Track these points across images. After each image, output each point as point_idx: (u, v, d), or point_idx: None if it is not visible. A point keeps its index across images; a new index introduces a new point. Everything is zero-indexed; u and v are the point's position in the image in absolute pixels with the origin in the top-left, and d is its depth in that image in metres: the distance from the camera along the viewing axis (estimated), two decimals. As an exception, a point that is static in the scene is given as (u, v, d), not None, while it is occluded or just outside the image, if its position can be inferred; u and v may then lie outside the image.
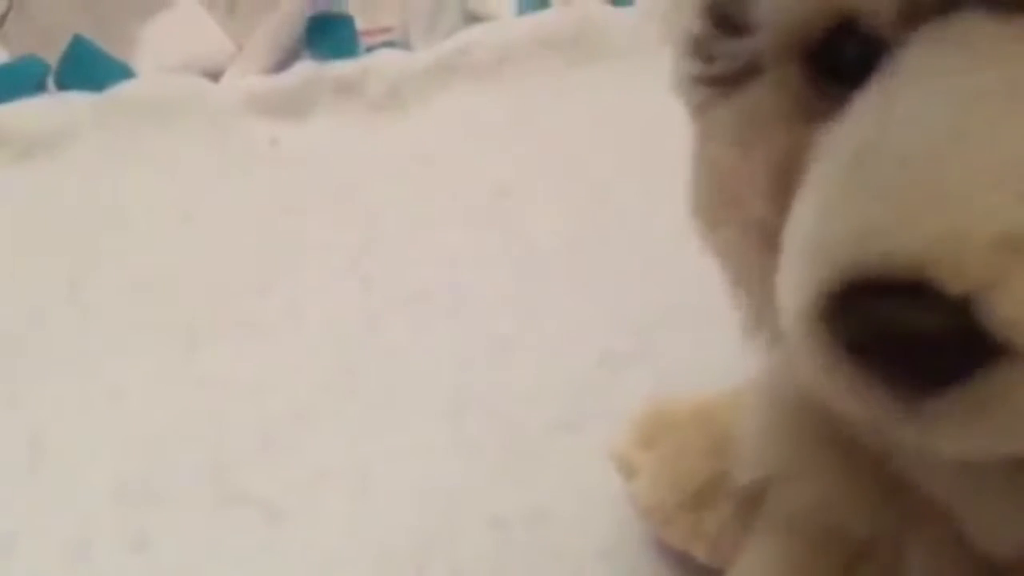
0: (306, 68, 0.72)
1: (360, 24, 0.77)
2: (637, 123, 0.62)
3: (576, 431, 0.51)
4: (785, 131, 0.28)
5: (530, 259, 0.59)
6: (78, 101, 0.70)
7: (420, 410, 0.52)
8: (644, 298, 0.55)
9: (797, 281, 0.25)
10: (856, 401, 0.25)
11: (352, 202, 0.64)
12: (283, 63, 0.75)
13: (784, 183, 0.28)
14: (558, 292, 0.57)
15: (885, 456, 0.32)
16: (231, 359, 0.55)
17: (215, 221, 0.63)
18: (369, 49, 0.75)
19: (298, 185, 0.66)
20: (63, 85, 0.72)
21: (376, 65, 0.71)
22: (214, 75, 0.74)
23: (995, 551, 0.31)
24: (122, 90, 0.70)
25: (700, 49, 0.30)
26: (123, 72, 0.73)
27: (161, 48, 0.76)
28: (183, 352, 0.56)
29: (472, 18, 0.76)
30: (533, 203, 0.62)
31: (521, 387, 0.53)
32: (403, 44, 0.77)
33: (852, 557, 0.36)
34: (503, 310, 0.57)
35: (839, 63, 0.27)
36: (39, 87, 0.72)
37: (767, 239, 0.28)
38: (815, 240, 0.24)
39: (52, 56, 0.73)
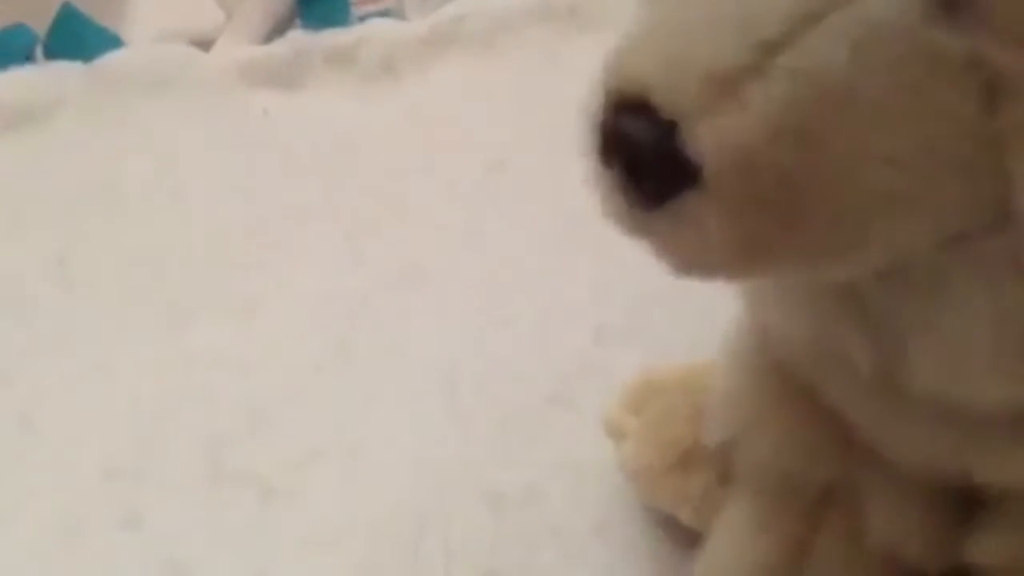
0: (298, 38, 0.71)
1: (353, -8, 0.76)
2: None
3: (570, 407, 0.50)
4: None
5: (525, 233, 0.59)
6: (67, 71, 0.69)
7: (414, 387, 0.52)
8: (639, 274, 0.55)
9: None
10: (608, 207, 0.28)
11: (345, 174, 0.63)
12: (275, 32, 0.74)
13: None
14: (552, 267, 0.57)
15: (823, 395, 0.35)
16: (222, 336, 0.55)
17: (205, 194, 0.62)
18: (362, 18, 0.74)
19: (290, 156, 0.65)
20: (52, 55, 0.71)
21: (369, 35, 0.70)
22: (204, 45, 0.73)
23: (912, 473, 0.34)
24: (112, 60, 0.69)
25: None
26: (113, 42, 0.71)
27: (151, 17, 0.74)
28: (174, 328, 0.55)
29: (467, -14, 0.75)
30: (529, 176, 0.62)
31: (515, 363, 0.52)
32: (397, 13, 0.76)
33: (813, 504, 0.38)
34: (497, 285, 0.56)
35: None
36: (27, 57, 0.71)
37: None
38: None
39: (41, 25, 0.72)
